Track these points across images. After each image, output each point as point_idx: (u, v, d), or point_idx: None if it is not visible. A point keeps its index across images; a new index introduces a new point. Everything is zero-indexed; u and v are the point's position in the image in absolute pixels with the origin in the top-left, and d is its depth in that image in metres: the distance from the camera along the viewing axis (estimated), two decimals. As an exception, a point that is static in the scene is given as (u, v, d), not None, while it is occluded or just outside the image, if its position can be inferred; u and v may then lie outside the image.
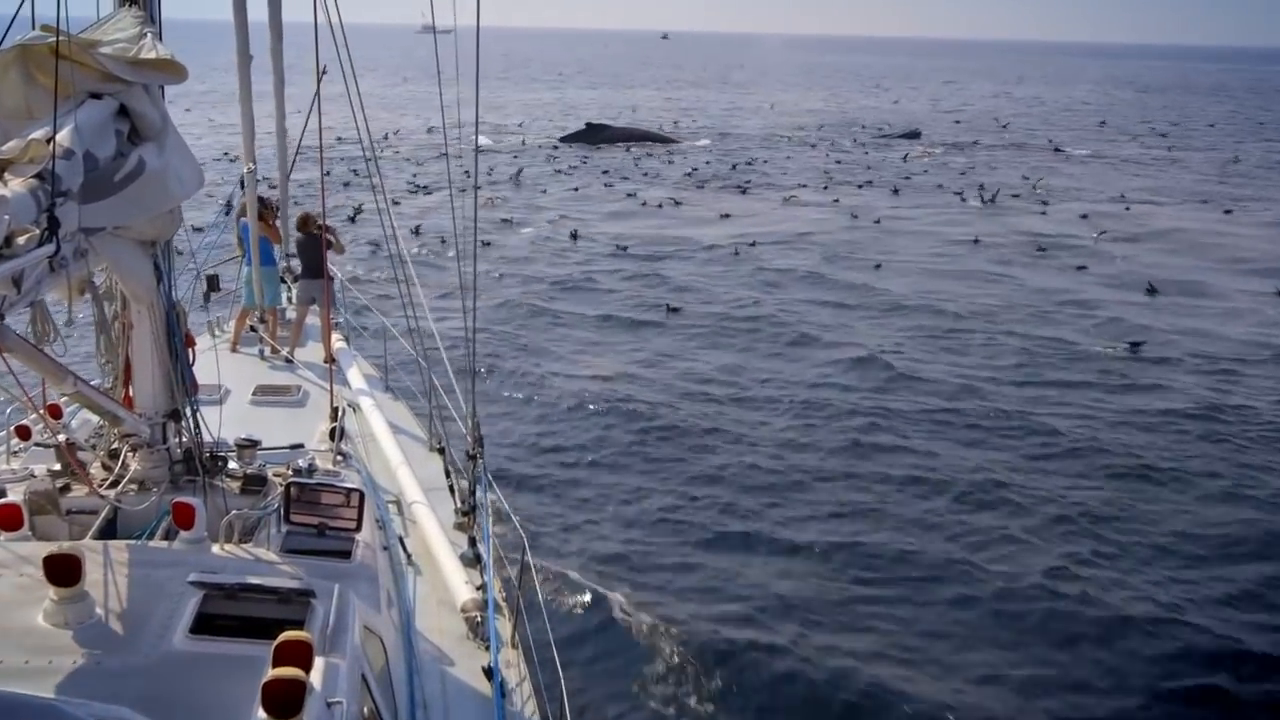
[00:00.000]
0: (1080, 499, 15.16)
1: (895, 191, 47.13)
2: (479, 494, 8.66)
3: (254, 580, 4.84)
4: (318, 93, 8.00)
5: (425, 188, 43.30)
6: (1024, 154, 63.79)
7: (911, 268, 31.39)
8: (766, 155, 60.23)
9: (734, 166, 54.49)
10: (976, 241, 35.54)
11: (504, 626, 7.45)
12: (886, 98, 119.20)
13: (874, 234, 37.09)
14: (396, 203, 37.64)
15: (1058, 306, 26.79)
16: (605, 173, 50.41)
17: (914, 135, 72.90)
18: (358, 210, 36.72)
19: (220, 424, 6.63)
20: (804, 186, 47.99)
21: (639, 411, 18.42)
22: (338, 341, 12.77)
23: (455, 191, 10.13)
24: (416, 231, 34.15)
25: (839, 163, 57.71)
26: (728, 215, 39.37)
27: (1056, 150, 66.26)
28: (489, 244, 32.05)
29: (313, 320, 13.52)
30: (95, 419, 6.56)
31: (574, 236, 34.49)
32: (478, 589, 7.59)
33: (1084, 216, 40.89)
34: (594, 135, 64.39)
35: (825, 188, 48.03)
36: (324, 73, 8.10)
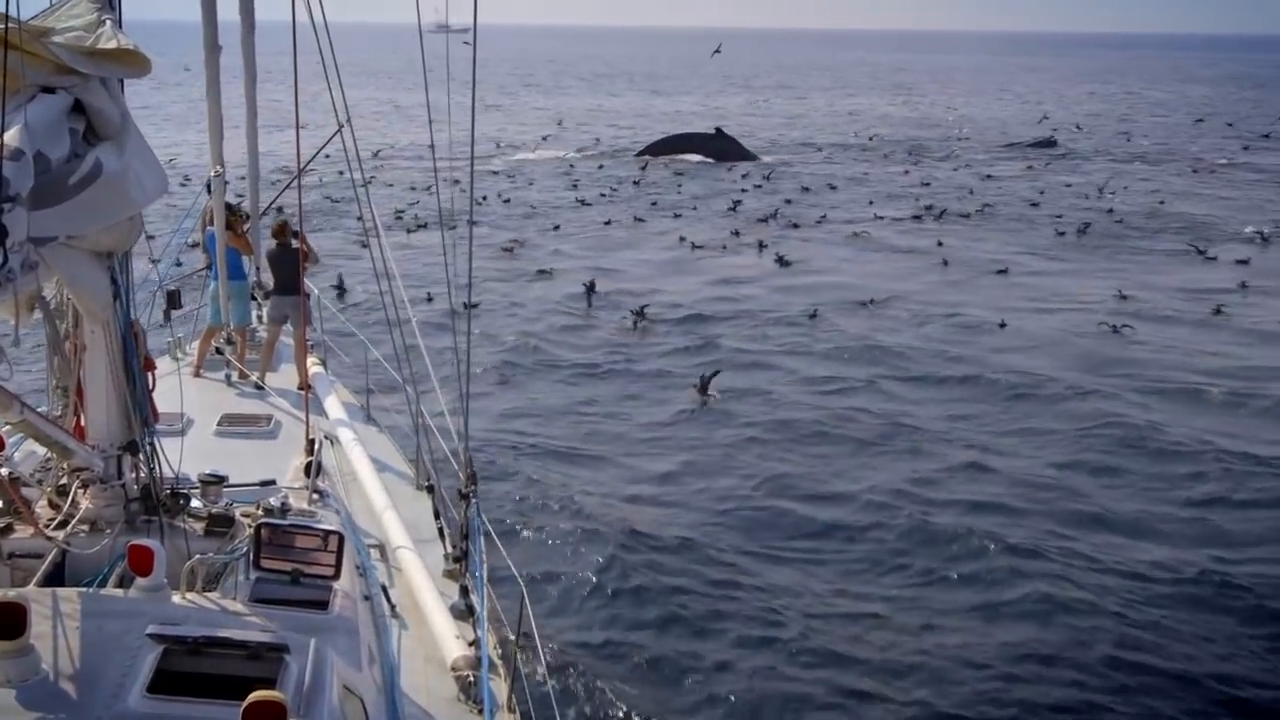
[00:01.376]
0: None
1: (1017, 224, 41.83)
2: (472, 538, 8.64)
3: (219, 633, 4.82)
4: (295, 85, 8.05)
5: (417, 204, 43.57)
6: (1193, 176, 56.89)
7: (1059, 345, 25.41)
8: (841, 174, 55.99)
9: (804, 189, 50.07)
10: (1123, 297, 29.98)
11: (499, 687, 7.41)
12: (977, 101, 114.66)
13: (989, 289, 31.47)
14: (394, 221, 37.77)
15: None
16: (649, 202, 46.00)
17: (1048, 144, 68.16)
18: (334, 202, 37.40)
19: (182, 457, 6.63)
20: (889, 220, 42.63)
21: (655, 471, 18.42)
22: (314, 366, 12.81)
23: (449, 207, 10.20)
24: (408, 230, 34.50)
25: (926, 185, 52.19)
26: (791, 263, 34.24)
27: (1220, 166, 60.20)
28: (485, 287, 29.34)
29: (286, 341, 13.56)
30: (42, 451, 6.56)
31: (590, 290, 29.62)
32: (470, 645, 7.56)
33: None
34: (676, 146, 61.36)
35: (917, 218, 43.17)
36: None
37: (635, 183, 51.61)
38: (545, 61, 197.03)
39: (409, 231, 36.53)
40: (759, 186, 50.80)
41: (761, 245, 36.85)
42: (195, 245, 14.82)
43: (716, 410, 20.69)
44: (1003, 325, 26.81)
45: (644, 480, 17.35)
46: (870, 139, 72.66)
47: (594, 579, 14.03)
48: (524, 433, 19.31)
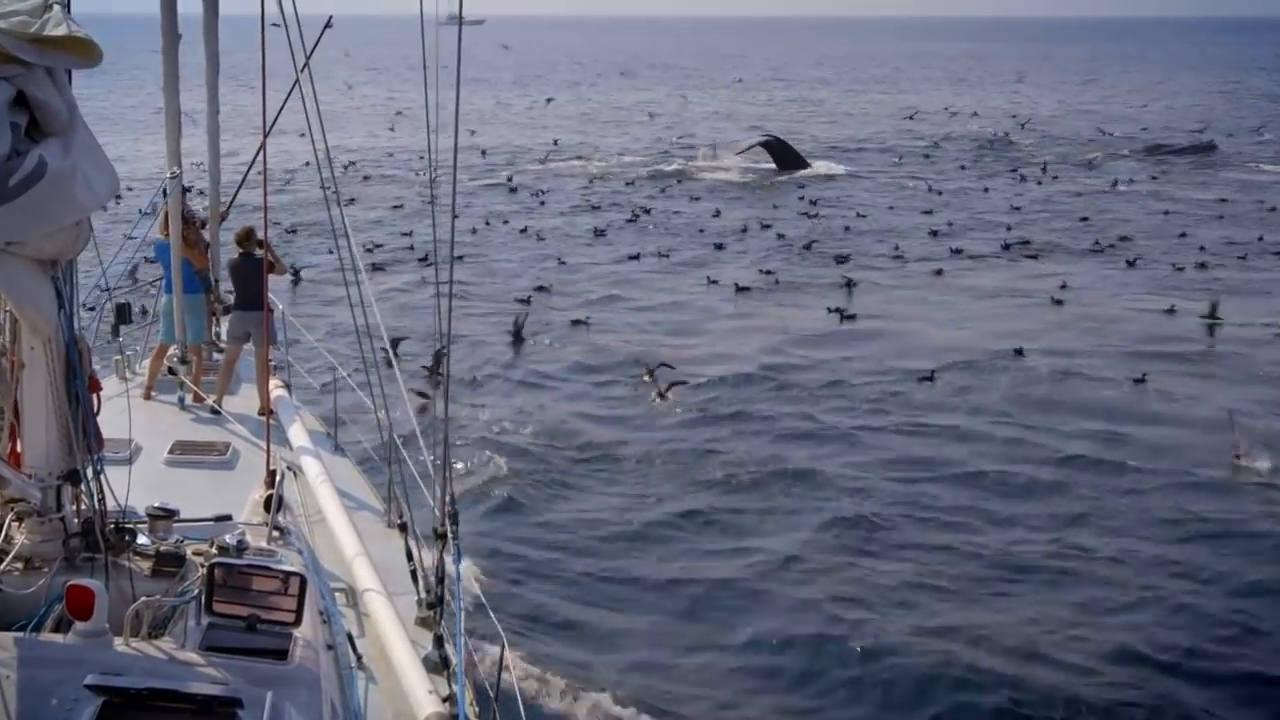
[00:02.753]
0: None
1: (1131, 262, 36.50)
2: (449, 583, 8.61)
3: (166, 685, 4.79)
4: (264, 77, 8.07)
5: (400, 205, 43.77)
6: None
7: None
8: (909, 190, 52.38)
9: (865, 210, 45.66)
10: None
11: (476, 749, 7.38)
12: (1067, 96, 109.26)
13: (1116, 347, 27.20)
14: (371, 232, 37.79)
15: None
16: (681, 226, 42.59)
17: (1207, 148, 62.90)
18: (294, 227, 37.33)
19: (129, 489, 6.60)
20: (976, 258, 37.58)
21: (652, 495, 18.39)
22: (277, 389, 12.77)
23: (436, 214, 10.20)
24: (377, 259, 34.48)
25: (1016, 209, 46.54)
26: (855, 314, 29.92)
27: None
28: (471, 325, 28.05)
29: (246, 361, 13.55)
30: None
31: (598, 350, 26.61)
32: (444, 700, 7.51)
33: None
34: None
35: (1005, 248, 38.61)
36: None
37: (666, 199, 48.90)
38: (562, 55, 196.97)
39: (378, 263, 35.65)
40: (813, 203, 47.08)
41: (819, 287, 33.00)
42: (151, 258, 14.84)
43: (723, 459, 20.18)
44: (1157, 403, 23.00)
45: (637, 524, 17.31)
46: (935, 144, 68.57)
47: (581, 630, 14.00)
48: (508, 470, 19.29)
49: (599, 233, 41.29)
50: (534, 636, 13.65)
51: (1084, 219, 43.55)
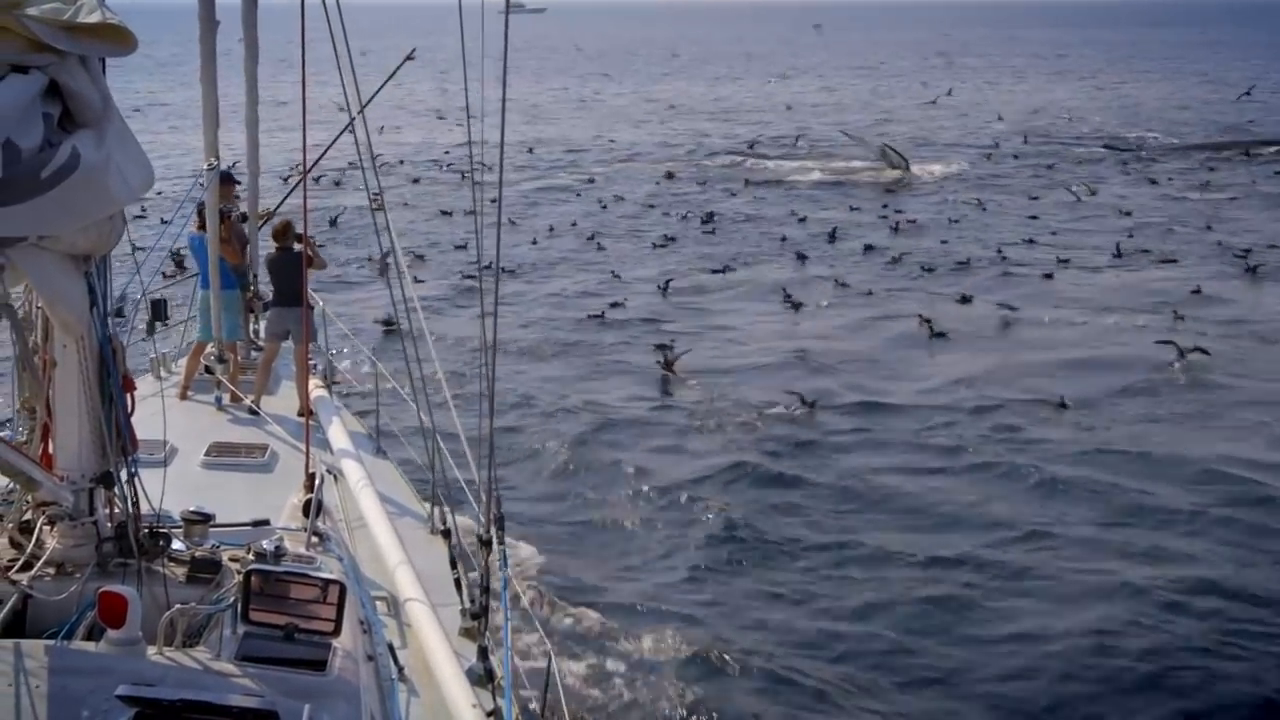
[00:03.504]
0: None
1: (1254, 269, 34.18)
2: (494, 592, 8.63)
3: (200, 696, 4.83)
4: (304, 73, 8.12)
5: (448, 213, 43.86)
6: None
7: None
8: (1001, 189, 49.58)
9: (957, 217, 42.94)
10: None
11: (523, 766, 7.38)
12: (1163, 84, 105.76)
13: None
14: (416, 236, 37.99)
15: None
16: (760, 234, 40.08)
17: None
18: (336, 218, 37.55)
19: (164, 492, 6.66)
20: (1086, 264, 35.26)
21: (712, 518, 18.35)
22: (317, 389, 12.87)
23: (481, 210, 10.14)
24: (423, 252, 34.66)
25: (1126, 213, 43.06)
26: (947, 333, 27.49)
27: None
28: (518, 333, 27.22)
29: (285, 360, 13.65)
30: (4, 481, 6.61)
31: (665, 360, 24.99)
32: (489, 715, 7.53)
33: None
34: None
35: (1118, 255, 36.10)
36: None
37: (736, 198, 47.24)
38: (622, 44, 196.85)
39: (421, 257, 35.77)
40: (900, 212, 43.93)
41: (913, 299, 31.29)
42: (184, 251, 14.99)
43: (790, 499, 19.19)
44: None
45: (693, 544, 17.23)
46: (1025, 139, 65.44)
47: (632, 645, 13.98)
48: (557, 478, 19.29)
49: (665, 241, 39.32)
50: (583, 650, 13.62)
51: (1207, 227, 40.75)
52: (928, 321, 27.81)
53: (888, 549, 16.70)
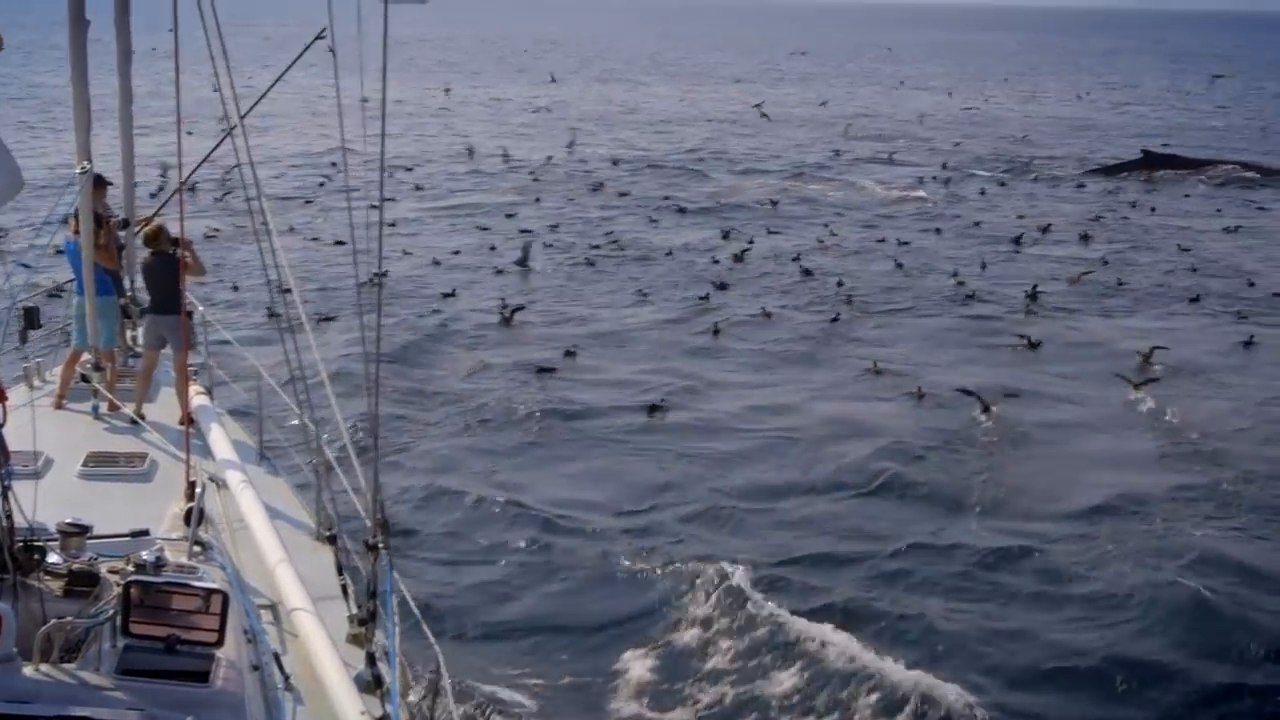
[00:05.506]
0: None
1: None
2: (381, 598, 8.56)
3: (78, 711, 4.74)
4: (176, 65, 7.99)
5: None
6: None
7: None
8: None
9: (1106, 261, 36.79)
10: None
11: (413, 773, 7.33)
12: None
13: None
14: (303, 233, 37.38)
15: None
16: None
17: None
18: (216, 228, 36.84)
19: (37, 503, 6.52)
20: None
21: (600, 506, 18.40)
22: (198, 396, 12.66)
23: (354, 209, 10.07)
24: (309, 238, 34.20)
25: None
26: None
27: None
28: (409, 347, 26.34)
29: (166, 368, 13.41)
30: None
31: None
32: (378, 721, 7.48)
33: None
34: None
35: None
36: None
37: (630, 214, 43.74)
38: (516, 40, 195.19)
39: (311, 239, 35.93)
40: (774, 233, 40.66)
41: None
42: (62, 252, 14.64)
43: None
44: None
45: (585, 543, 17.28)
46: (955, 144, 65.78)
47: (522, 648, 13.99)
48: (445, 480, 19.21)
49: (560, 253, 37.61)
50: (473, 654, 13.60)
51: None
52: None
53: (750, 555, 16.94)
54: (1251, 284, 34.29)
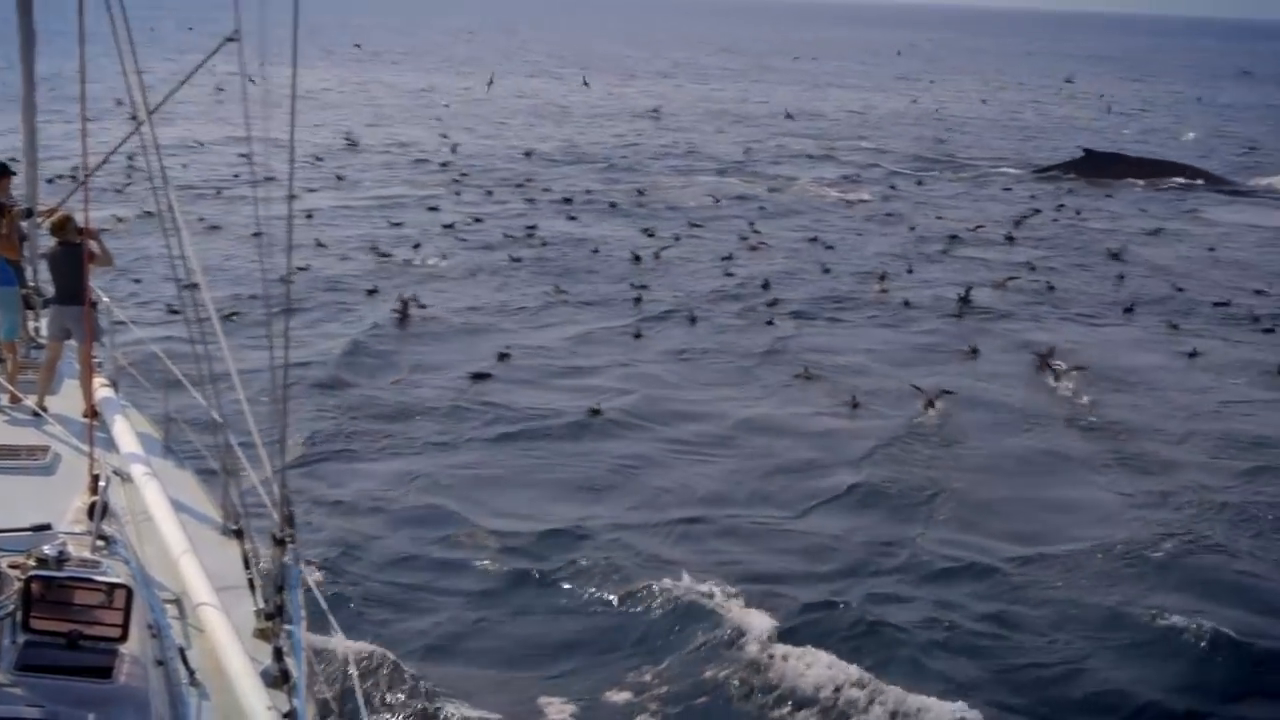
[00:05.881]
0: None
1: None
2: (288, 591, 8.51)
3: None
4: (81, 43, 7.88)
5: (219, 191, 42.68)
6: None
7: None
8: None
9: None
10: None
11: (319, 766, 7.31)
12: None
13: None
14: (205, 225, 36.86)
15: None
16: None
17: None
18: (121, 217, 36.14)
19: None
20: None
21: (514, 497, 18.41)
22: (102, 388, 12.48)
23: (262, 196, 9.99)
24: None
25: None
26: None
27: None
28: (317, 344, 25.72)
29: (69, 359, 13.21)
30: None
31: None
32: (285, 716, 7.44)
33: None
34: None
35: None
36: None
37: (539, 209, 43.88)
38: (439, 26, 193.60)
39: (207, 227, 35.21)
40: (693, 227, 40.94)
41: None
42: None
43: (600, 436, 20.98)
44: None
45: (495, 533, 17.28)
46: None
47: (432, 638, 13.96)
48: (353, 471, 19.13)
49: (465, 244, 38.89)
50: (382, 646, 13.55)
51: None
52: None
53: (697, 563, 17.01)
54: (1180, 289, 34.52)
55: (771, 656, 13.96)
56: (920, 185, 53.68)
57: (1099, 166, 56.14)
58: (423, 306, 28.80)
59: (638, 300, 31.01)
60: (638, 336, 28.04)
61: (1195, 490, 19.95)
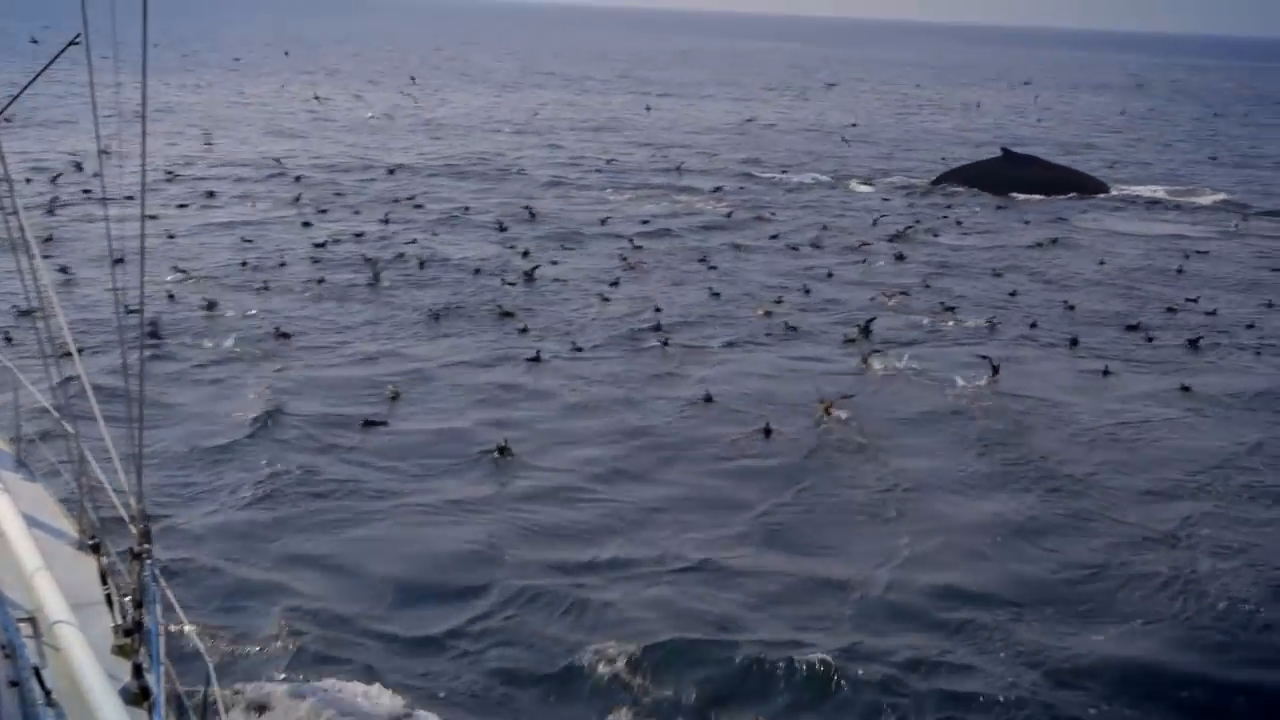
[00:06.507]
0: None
1: None
2: (147, 607, 8.38)
3: None
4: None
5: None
6: None
7: None
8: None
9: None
10: None
11: (182, 784, 7.22)
12: None
13: None
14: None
15: None
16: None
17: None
18: None
19: None
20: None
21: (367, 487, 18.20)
22: (-52, 402, 12.17)
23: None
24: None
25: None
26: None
27: None
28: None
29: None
30: None
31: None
32: (145, 734, 7.34)
33: None
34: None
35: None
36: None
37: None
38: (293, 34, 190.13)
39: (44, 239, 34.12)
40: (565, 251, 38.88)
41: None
42: None
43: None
44: None
45: (348, 540, 17.13)
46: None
47: (294, 650, 13.82)
48: (213, 479, 18.82)
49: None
50: (244, 661, 13.39)
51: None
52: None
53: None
54: (1071, 307, 33.94)
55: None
56: (805, 194, 53.43)
57: (1015, 165, 56.87)
58: (286, 336, 27.17)
59: (524, 330, 29.05)
60: (536, 360, 26.58)
61: (1100, 510, 19.83)
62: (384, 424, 21.69)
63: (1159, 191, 58.38)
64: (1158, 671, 14.96)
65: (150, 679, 7.94)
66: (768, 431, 22.29)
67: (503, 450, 20.79)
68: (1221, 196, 57.85)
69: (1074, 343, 30.32)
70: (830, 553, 18.00)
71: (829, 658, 14.63)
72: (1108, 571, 17.56)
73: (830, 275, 36.96)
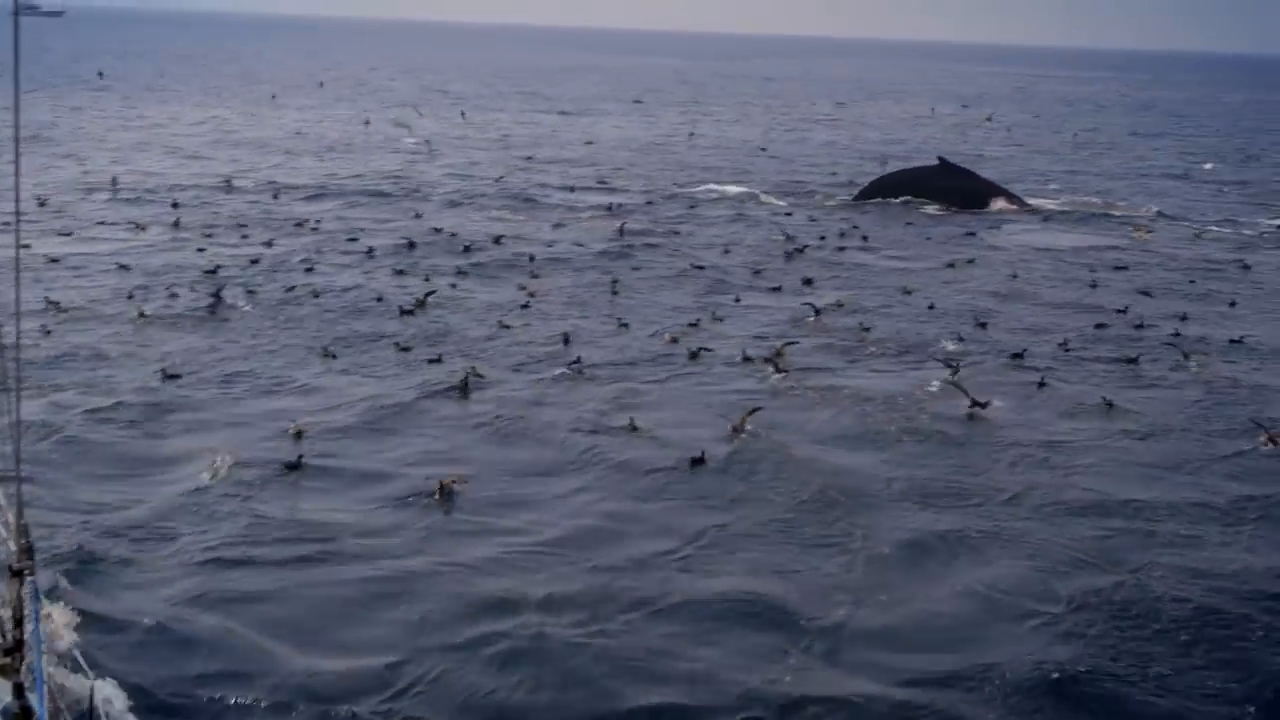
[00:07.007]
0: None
1: None
2: (28, 625, 8.23)
3: None
4: None
5: None
6: None
7: None
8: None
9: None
10: None
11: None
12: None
13: None
14: None
15: None
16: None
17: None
18: None
19: None
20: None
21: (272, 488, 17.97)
22: None
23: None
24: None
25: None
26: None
27: None
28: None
29: None
30: None
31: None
32: (27, 755, 7.21)
33: None
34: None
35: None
36: None
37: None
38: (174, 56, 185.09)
39: None
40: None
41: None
42: None
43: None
44: None
45: (235, 554, 17.03)
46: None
47: (179, 666, 13.68)
48: (96, 497, 18.55)
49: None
50: (130, 679, 13.18)
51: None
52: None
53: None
54: (983, 325, 33.05)
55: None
56: (713, 209, 52.52)
57: (949, 175, 56.66)
58: (177, 377, 25.35)
59: (434, 360, 27.35)
60: (463, 395, 25.23)
61: (1026, 528, 19.65)
62: (297, 466, 20.37)
63: (1063, 203, 58.58)
64: (1082, 685, 14.99)
65: (32, 698, 7.81)
66: (698, 460, 21.47)
67: (437, 493, 19.59)
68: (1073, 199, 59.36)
69: (1019, 355, 29.75)
70: (757, 576, 17.60)
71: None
72: (1028, 589, 17.53)
73: (738, 300, 35.27)
